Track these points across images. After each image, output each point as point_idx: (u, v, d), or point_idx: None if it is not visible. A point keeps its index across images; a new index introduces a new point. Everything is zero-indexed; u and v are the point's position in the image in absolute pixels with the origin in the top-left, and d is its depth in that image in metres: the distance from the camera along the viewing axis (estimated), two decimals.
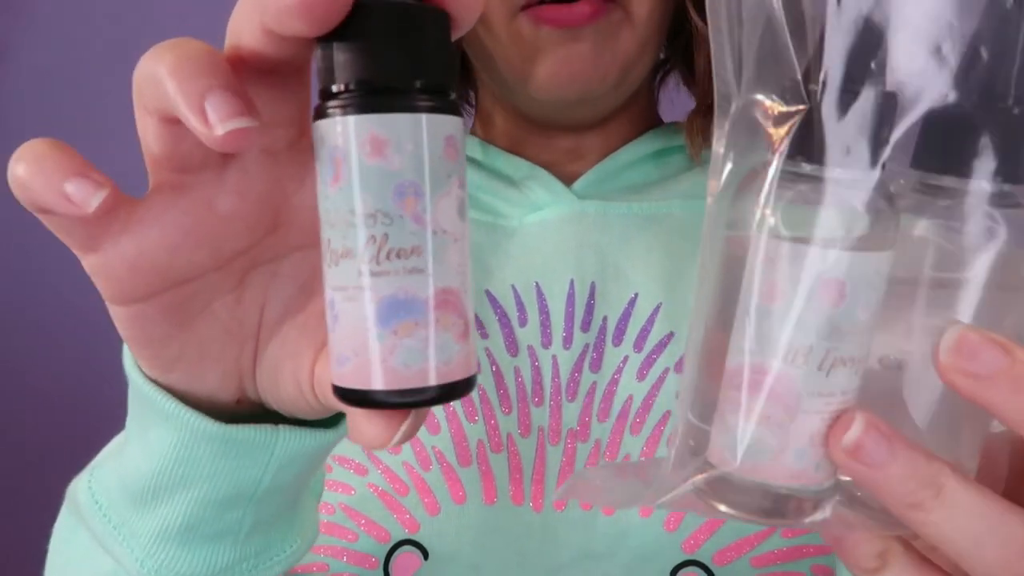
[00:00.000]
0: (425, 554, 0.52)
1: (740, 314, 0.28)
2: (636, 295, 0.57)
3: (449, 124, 0.28)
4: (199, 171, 0.30)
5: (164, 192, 0.30)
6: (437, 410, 0.54)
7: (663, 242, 0.58)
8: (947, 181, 0.27)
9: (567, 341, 0.56)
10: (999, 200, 0.27)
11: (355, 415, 0.30)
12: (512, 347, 0.56)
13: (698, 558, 0.52)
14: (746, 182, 0.28)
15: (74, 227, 0.29)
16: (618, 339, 0.56)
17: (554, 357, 0.55)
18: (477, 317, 0.56)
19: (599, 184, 0.59)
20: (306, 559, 0.52)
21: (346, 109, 0.27)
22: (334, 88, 0.27)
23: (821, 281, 0.26)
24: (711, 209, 0.29)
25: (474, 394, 0.55)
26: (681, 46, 0.64)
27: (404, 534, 0.52)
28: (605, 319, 0.56)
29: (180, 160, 0.29)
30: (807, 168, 0.27)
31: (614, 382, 0.55)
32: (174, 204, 0.30)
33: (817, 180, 0.27)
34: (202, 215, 0.31)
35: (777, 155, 0.27)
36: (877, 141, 0.26)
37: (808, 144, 0.27)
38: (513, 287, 0.57)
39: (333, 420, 0.38)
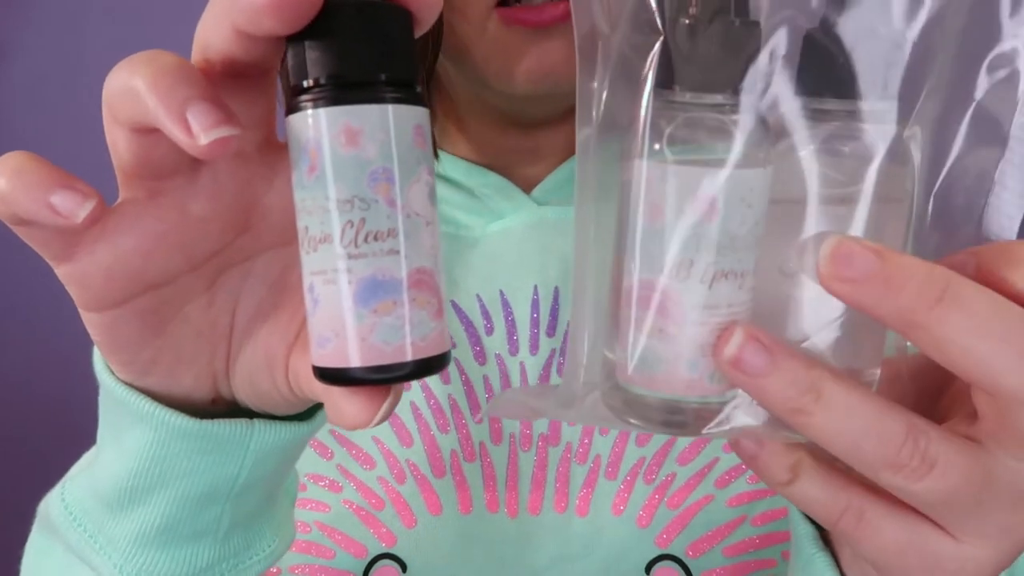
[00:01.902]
0: (403, 567, 0.53)
1: (628, 237, 0.30)
2: None
3: (417, 114, 0.29)
4: (171, 177, 0.31)
5: (137, 199, 0.31)
6: (410, 423, 0.55)
7: None
8: (828, 104, 0.29)
9: (533, 347, 0.56)
10: (874, 118, 0.29)
11: (336, 397, 0.31)
12: (480, 357, 0.57)
13: (672, 552, 0.53)
14: (624, 115, 0.30)
15: (51, 238, 0.30)
16: None
17: (522, 364, 0.56)
18: None
19: (557, 190, 0.60)
20: None
21: (320, 102, 0.28)
22: (306, 83, 0.29)
23: (695, 198, 0.29)
24: (587, 143, 0.31)
25: (445, 405, 0.56)
26: None
27: (381, 548, 0.53)
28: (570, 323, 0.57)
29: (152, 168, 0.30)
30: (681, 96, 0.29)
31: None
32: (147, 211, 0.31)
33: (689, 106, 0.29)
34: (175, 220, 0.32)
35: (647, 84, 0.29)
36: (738, 67, 0.28)
37: (680, 72, 0.29)
38: (478, 297, 0.58)
39: (307, 414, 0.39)
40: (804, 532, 0.38)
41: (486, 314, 0.57)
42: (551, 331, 0.57)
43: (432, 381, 0.56)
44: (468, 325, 0.57)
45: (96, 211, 0.28)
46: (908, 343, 0.32)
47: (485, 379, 0.56)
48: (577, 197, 0.32)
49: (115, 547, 0.38)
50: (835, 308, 0.30)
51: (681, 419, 0.31)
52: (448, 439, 0.55)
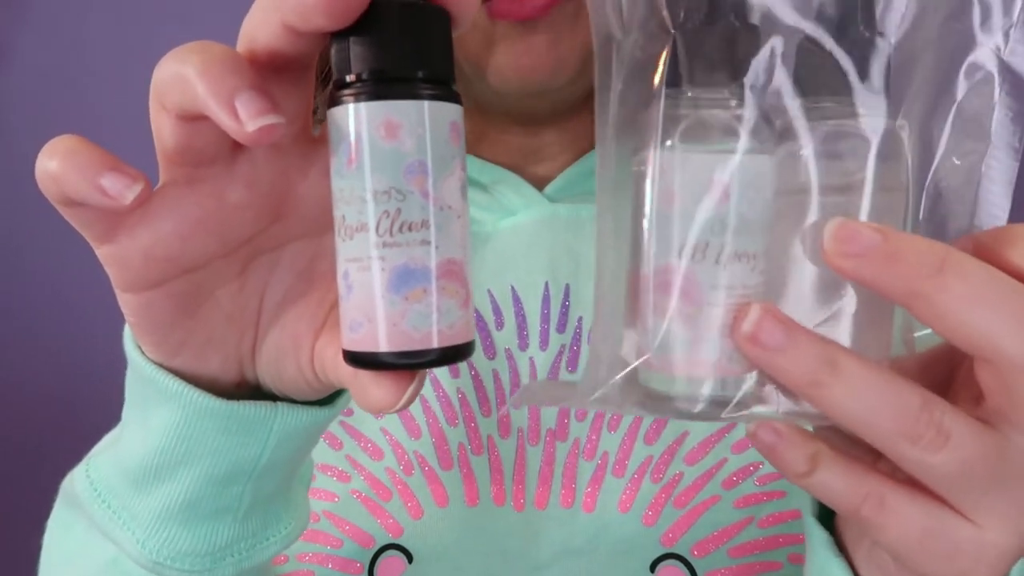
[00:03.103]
0: (409, 557, 0.53)
1: (644, 226, 0.31)
2: None
3: (453, 111, 0.31)
4: (211, 165, 0.32)
5: (177, 185, 0.32)
6: (418, 415, 0.56)
7: None
8: (824, 100, 0.31)
9: (543, 343, 0.57)
10: (867, 112, 0.31)
11: (364, 381, 0.32)
12: (490, 351, 0.57)
13: (677, 551, 0.53)
14: (639, 112, 0.31)
15: (96, 219, 0.31)
16: None
17: (531, 359, 0.56)
18: None
19: (569, 188, 0.60)
20: (292, 567, 0.53)
21: (362, 96, 0.29)
22: (349, 78, 0.30)
23: (708, 181, 0.30)
24: (606, 141, 0.32)
25: (454, 398, 0.56)
26: None
27: (388, 538, 0.53)
28: (580, 319, 0.57)
29: (194, 155, 0.31)
30: (689, 93, 0.31)
31: None
32: (187, 196, 0.32)
33: (698, 101, 0.30)
34: (213, 206, 0.33)
35: (661, 82, 0.31)
36: (741, 65, 0.30)
37: (688, 71, 0.31)
38: (489, 291, 0.58)
39: (327, 400, 0.40)
40: (819, 538, 0.38)
41: (496, 309, 0.57)
42: (561, 327, 0.57)
43: (441, 374, 0.56)
44: (478, 319, 0.57)
45: (143, 194, 0.29)
46: (914, 334, 0.33)
47: (494, 373, 0.56)
48: (598, 193, 0.32)
49: (138, 523, 0.39)
50: (841, 305, 0.31)
51: (701, 404, 0.31)
52: (456, 432, 0.55)
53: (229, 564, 0.40)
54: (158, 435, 0.37)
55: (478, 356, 0.57)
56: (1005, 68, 0.32)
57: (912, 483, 0.31)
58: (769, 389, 0.32)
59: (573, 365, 0.56)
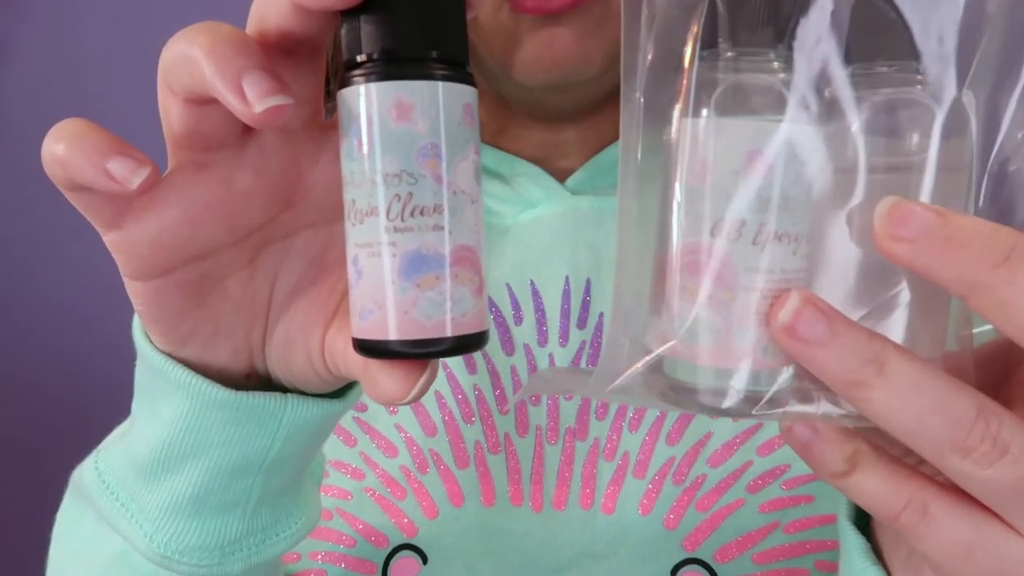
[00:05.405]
0: (424, 558, 0.52)
1: (674, 199, 0.29)
2: None
3: (467, 93, 0.30)
4: (219, 150, 0.31)
5: (185, 170, 0.32)
6: (434, 412, 0.54)
7: None
8: (882, 66, 0.28)
9: (563, 339, 0.55)
10: (931, 82, 0.28)
11: (373, 371, 0.31)
12: (508, 346, 0.55)
13: (699, 556, 0.51)
14: (670, 75, 0.29)
15: (103, 205, 0.31)
16: None
17: (550, 355, 0.55)
18: None
19: (591, 180, 0.59)
20: (304, 566, 0.52)
21: (373, 76, 0.29)
22: (359, 58, 0.29)
23: (747, 153, 0.27)
24: (633, 112, 0.29)
25: (471, 395, 0.54)
26: None
27: (402, 539, 0.52)
28: (601, 315, 0.55)
29: (202, 139, 0.31)
30: (727, 53, 0.28)
31: None
32: (195, 182, 0.32)
33: (738, 62, 0.28)
34: (221, 192, 0.32)
35: (693, 43, 0.28)
36: (788, 23, 0.27)
37: (728, 29, 0.28)
38: (508, 286, 0.56)
39: (338, 392, 0.39)
40: (854, 545, 0.35)
41: (515, 303, 0.56)
42: (582, 323, 0.55)
43: (458, 370, 0.55)
44: (497, 314, 0.56)
45: (150, 179, 0.29)
46: (972, 330, 0.30)
47: (512, 369, 0.55)
48: (621, 167, 0.30)
49: (146, 516, 0.38)
50: (891, 295, 0.29)
51: (730, 399, 0.29)
52: (472, 430, 0.54)
53: (238, 559, 0.39)
54: (167, 426, 0.36)
55: (496, 351, 0.55)
56: None
57: (959, 489, 0.28)
58: (807, 385, 0.29)
59: (593, 362, 0.55)
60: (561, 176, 0.59)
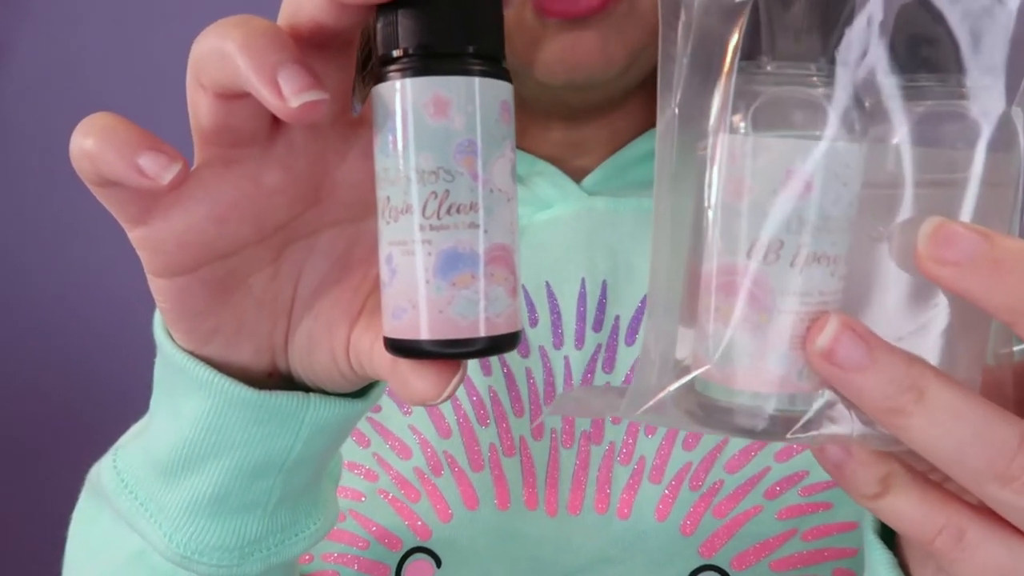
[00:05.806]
0: (438, 561, 0.51)
1: (707, 218, 0.28)
2: None
3: (504, 90, 0.29)
4: (248, 146, 0.31)
5: (212, 166, 0.31)
6: (448, 414, 0.54)
7: None
8: (927, 79, 0.27)
9: (579, 341, 0.54)
10: (977, 95, 0.27)
11: (405, 371, 0.31)
12: (523, 348, 0.55)
13: (716, 563, 0.51)
14: (708, 87, 0.28)
15: (130, 201, 0.30)
16: (631, 338, 0.55)
17: (566, 358, 0.54)
18: None
19: (608, 180, 0.58)
20: (317, 567, 0.51)
21: (410, 72, 0.28)
22: (395, 53, 0.28)
23: (786, 172, 0.26)
24: (668, 120, 0.29)
25: (486, 397, 0.54)
26: None
27: (416, 541, 0.51)
28: (617, 318, 0.55)
29: (230, 135, 0.30)
30: (768, 67, 0.27)
31: (627, 382, 0.54)
32: (222, 178, 0.31)
33: (779, 77, 0.27)
34: (248, 189, 0.32)
35: (732, 54, 0.27)
36: (831, 35, 0.27)
37: (769, 41, 0.27)
38: (523, 287, 0.56)
39: (361, 392, 0.38)
40: (881, 559, 0.35)
41: (531, 305, 0.56)
42: (597, 326, 0.55)
43: (473, 372, 0.54)
44: None
45: (180, 175, 0.28)
46: (1014, 348, 0.30)
47: (528, 372, 0.54)
48: (656, 178, 0.30)
49: (166, 515, 0.38)
50: (930, 310, 0.28)
51: (764, 422, 0.28)
52: (487, 432, 0.53)
53: (257, 560, 0.39)
54: (188, 425, 0.36)
55: (511, 354, 0.54)
56: None
57: (994, 514, 0.28)
58: (842, 409, 0.28)
59: (609, 366, 0.54)
60: (578, 175, 0.59)
